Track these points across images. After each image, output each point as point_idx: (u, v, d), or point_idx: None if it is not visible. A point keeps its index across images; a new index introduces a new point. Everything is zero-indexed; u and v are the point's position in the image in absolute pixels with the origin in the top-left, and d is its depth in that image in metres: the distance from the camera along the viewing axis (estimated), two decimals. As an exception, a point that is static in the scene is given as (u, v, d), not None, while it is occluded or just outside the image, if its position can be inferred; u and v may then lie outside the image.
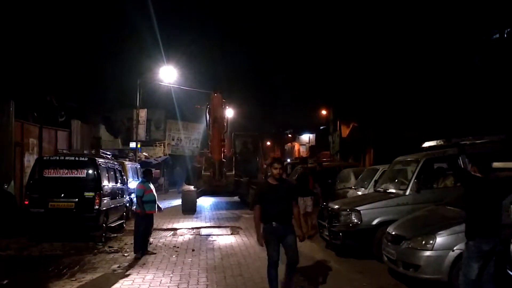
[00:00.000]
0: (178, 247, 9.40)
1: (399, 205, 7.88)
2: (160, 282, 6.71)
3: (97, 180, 9.86)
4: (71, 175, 9.89)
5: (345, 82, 24.72)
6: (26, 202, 9.65)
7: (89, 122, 23.48)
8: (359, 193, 11.24)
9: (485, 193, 4.85)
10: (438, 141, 8.31)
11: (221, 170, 16.15)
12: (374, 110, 21.61)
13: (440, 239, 5.81)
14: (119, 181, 11.94)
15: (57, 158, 10.37)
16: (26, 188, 10.09)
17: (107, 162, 11.41)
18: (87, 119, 23.03)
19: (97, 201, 9.62)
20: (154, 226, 9.81)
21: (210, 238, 10.52)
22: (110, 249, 9.22)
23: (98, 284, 6.69)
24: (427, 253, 5.85)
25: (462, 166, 6.21)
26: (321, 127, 38.59)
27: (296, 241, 5.57)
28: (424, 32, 16.94)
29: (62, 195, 9.61)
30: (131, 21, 35.17)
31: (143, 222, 8.65)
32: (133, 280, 6.83)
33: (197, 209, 16.56)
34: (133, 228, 9.16)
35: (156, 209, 8.96)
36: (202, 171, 16.75)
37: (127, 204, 13.07)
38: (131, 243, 8.99)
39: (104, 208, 9.95)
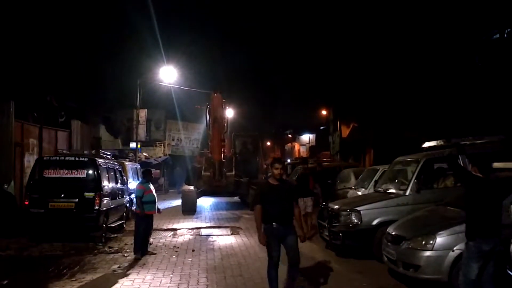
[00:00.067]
0: (178, 248, 9.39)
1: (399, 205, 7.88)
2: (160, 283, 6.70)
3: (97, 180, 9.86)
4: (71, 176, 9.88)
5: (345, 82, 24.72)
6: (26, 202, 9.65)
7: (89, 122, 23.48)
8: (359, 193, 11.23)
9: (485, 193, 4.86)
10: (438, 141, 8.32)
11: (221, 170, 16.13)
12: (374, 110, 21.60)
13: (440, 239, 5.81)
14: (119, 181, 11.95)
15: (57, 158, 10.37)
16: (26, 188, 10.09)
17: (107, 162, 11.41)
18: (87, 119, 23.03)
19: (97, 201, 9.62)
20: (154, 226, 9.82)
21: (210, 239, 10.52)
22: (110, 249, 9.22)
23: (98, 285, 6.70)
24: (427, 253, 5.85)
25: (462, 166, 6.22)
26: (321, 127, 38.61)
27: (297, 241, 5.56)
28: (424, 32, 16.94)
29: (62, 195, 9.61)
30: (131, 21, 35.31)
31: (143, 222, 8.65)
32: (133, 281, 6.83)
33: (197, 209, 16.56)
34: (133, 228, 9.17)
35: (156, 211, 8.96)
36: (202, 171, 16.72)
37: (127, 205, 13.08)
38: (131, 244, 8.98)
39: (104, 209, 9.95)
